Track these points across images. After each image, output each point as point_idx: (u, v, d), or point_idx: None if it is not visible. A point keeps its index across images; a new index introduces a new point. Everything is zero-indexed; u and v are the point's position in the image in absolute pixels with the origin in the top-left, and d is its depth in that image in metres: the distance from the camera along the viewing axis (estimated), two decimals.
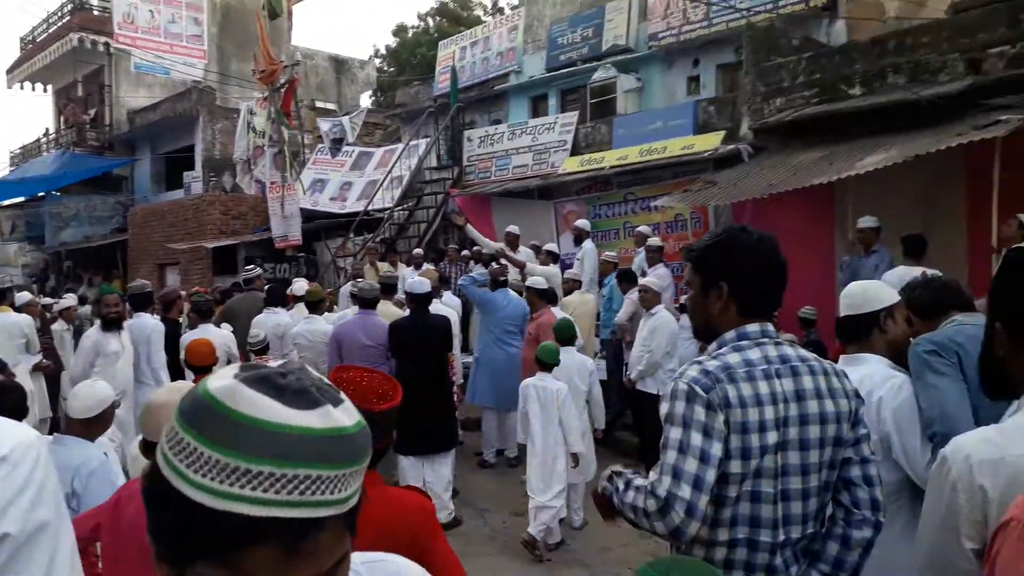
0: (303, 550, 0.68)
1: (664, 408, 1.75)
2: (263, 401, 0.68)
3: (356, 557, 0.82)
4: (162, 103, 18.75)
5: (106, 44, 19.21)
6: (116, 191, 20.31)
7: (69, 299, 9.16)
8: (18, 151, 23.28)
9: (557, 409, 5.19)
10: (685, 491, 1.63)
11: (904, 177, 7.21)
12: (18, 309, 7.29)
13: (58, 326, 8.31)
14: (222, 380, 0.71)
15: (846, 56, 8.69)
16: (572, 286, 8.01)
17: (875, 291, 2.55)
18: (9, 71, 22.44)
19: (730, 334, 1.80)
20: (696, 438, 1.65)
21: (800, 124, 8.68)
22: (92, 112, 20.51)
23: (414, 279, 6.21)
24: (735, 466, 1.67)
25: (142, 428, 2.15)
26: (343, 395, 0.75)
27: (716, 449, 1.64)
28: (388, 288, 7.39)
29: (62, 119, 21.66)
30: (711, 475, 1.63)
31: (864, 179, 7.05)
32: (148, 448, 2.13)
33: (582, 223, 9.70)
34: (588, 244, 9.35)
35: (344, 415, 0.72)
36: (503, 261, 8.18)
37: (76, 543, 1.13)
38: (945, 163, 7.05)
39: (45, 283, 17.98)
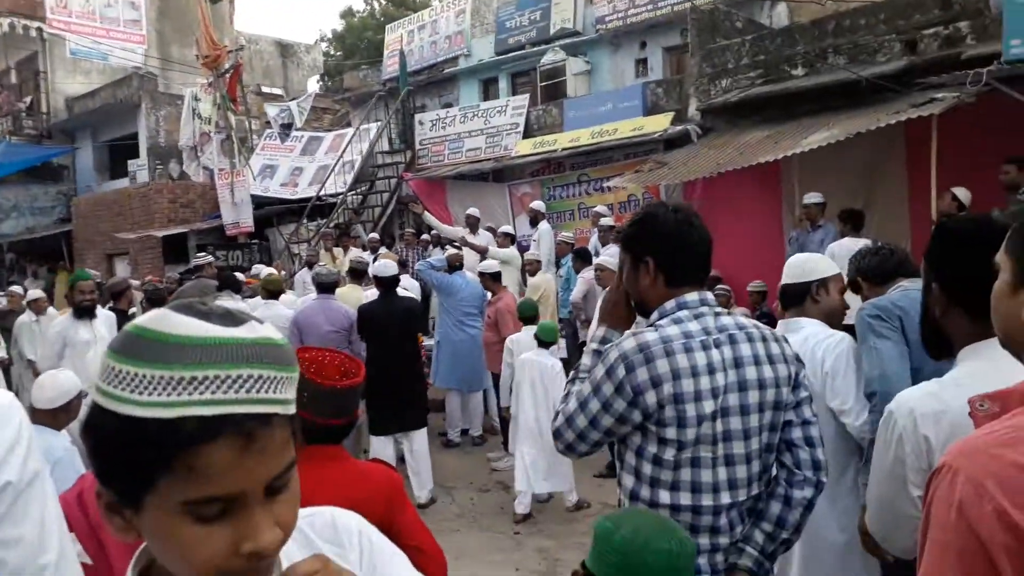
0: (255, 447, 0.71)
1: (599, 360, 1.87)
2: (193, 323, 0.72)
3: None
4: (101, 90, 18.14)
5: (39, 29, 18.45)
6: (57, 181, 19.62)
7: (37, 291, 8.92)
8: None
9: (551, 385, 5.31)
10: (570, 436, 1.88)
11: (847, 154, 7.47)
12: None
13: (26, 317, 8.04)
14: (148, 315, 0.74)
15: (788, 38, 8.93)
16: (536, 267, 8.11)
17: (812, 263, 2.75)
18: None
19: (670, 304, 1.87)
20: (595, 405, 1.82)
21: (746, 104, 8.89)
22: (28, 99, 19.73)
23: (380, 263, 6.23)
24: (670, 433, 1.75)
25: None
26: (264, 327, 0.77)
27: (607, 421, 1.81)
28: (358, 273, 7.39)
29: None
30: (595, 436, 1.85)
31: (809, 156, 7.29)
32: None
33: (537, 205, 9.78)
34: (544, 225, 9.44)
35: (269, 331, 0.75)
36: (461, 246, 8.24)
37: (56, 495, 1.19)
38: (886, 140, 7.33)
39: None
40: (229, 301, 6.95)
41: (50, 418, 3.40)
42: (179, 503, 0.71)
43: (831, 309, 2.69)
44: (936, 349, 1.84)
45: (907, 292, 2.61)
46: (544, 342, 5.59)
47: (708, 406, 1.75)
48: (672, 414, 1.74)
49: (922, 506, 1.61)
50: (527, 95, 12.50)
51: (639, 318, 2.01)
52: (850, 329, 2.71)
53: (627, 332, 1.87)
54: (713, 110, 9.33)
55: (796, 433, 1.88)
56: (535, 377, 5.41)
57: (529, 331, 5.87)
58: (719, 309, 1.89)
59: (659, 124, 9.81)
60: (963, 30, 7.43)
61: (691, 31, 9.94)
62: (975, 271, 1.50)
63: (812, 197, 7.14)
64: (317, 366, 2.37)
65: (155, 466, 0.70)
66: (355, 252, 10.37)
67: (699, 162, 8.30)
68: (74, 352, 5.71)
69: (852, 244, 6.28)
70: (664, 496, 1.78)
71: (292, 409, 0.76)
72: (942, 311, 1.75)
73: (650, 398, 1.74)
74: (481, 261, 7.91)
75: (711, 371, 1.76)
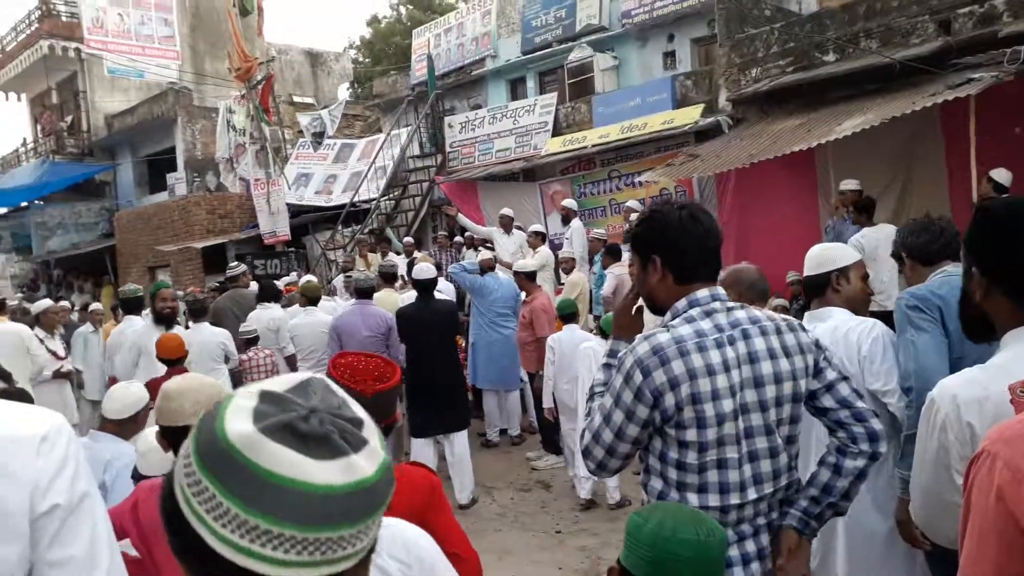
0: None
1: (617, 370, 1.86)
2: (285, 456, 0.66)
3: None
4: (139, 106, 18.57)
5: (77, 50, 18.97)
6: (100, 197, 20.15)
7: (96, 304, 9.20)
8: None
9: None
10: (599, 452, 1.85)
11: (883, 139, 7.34)
12: (36, 317, 7.29)
13: (84, 328, 8.21)
14: (241, 424, 0.68)
15: (818, 23, 8.79)
16: (571, 264, 8.14)
17: (830, 253, 2.73)
18: None
19: (682, 302, 1.86)
20: (619, 416, 1.80)
21: (777, 93, 8.79)
22: (69, 119, 20.29)
23: (419, 266, 6.28)
24: (690, 435, 1.74)
25: (158, 415, 2.23)
26: (367, 432, 0.72)
27: (632, 431, 1.79)
28: (389, 277, 7.46)
29: (39, 127, 21.41)
30: (623, 448, 1.83)
31: (843, 143, 7.18)
32: (164, 434, 2.22)
33: (569, 203, 9.79)
34: (576, 223, 9.45)
35: (366, 460, 0.70)
36: (493, 249, 8.29)
37: (108, 516, 1.22)
38: (922, 123, 7.19)
39: (36, 292, 17.83)
40: (267, 312, 7.07)
41: (117, 427, 3.51)
42: None
43: (853, 297, 2.68)
44: (978, 333, 1.80)
45: (949, 278, 2.54)
46: (567, 316, 5.88)
47: (727, 404, 1.74)
48: (691, 415, 1.73)
49: (963, 490, 1.60)
50: (555, 93, 12.49)
51: (655, 317, 2.00)
52: (885, 317, 2.68)
53: (639, 336, 1.85)
54: (744, 100, 9.24)
55: (843, 414, 1.87)
56: (571, 351, 5.51)
57: (570, 330, 5.89)
58: (731, 304, 1.88)
59: (689, 116, 9.74)
60: (999, 7, 7.25)
61: (719, 21, 9.85)
62: (1017, 255, 1.48)
63: (848, 184, 7.02)
64: (352, 371, 2.41)
65: None
66: (375, 258, 10.48)
67: (731, 153, 8.22)
68: (149, 361, 5.63)
69: (876, 232, 6.20)
70: (692, 499, 1.78)
71: (371, 545, 0.73)
72: (983, 296, 1.71)
73: (668, 400, 1.73)
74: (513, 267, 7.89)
75: (727, 368, 1.75)
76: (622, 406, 1.79)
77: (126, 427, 3.54)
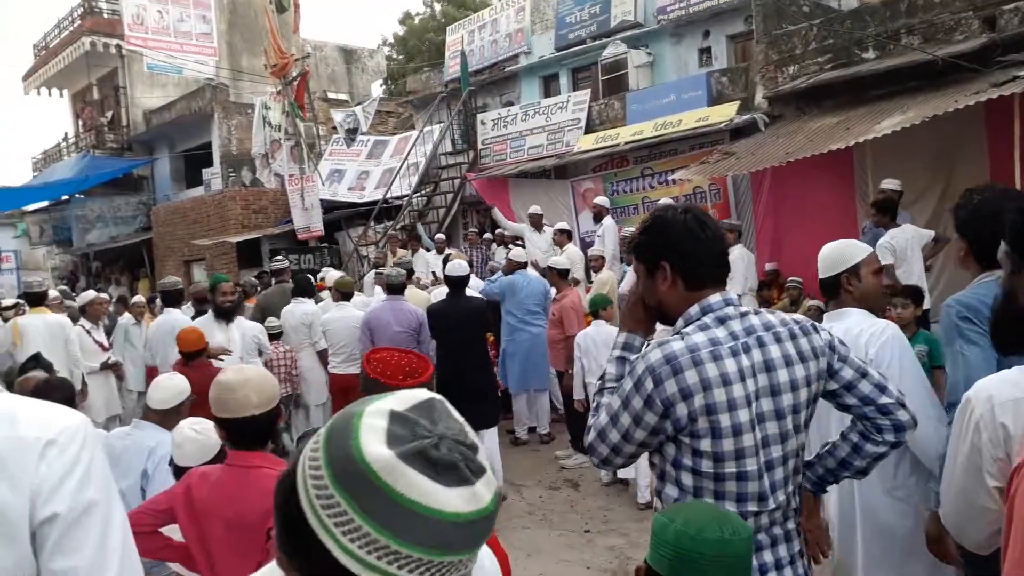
0: None
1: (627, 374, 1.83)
2: (420, 483, 0.71)
3: None
4: (177, 102, 18.90)
5: (118, 46, 19.37)
6: (138, 191, 20.56)
7: (139, 297, 9.27)
8: (40, 156, 23.58)
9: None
10: (603, 450, 1.83)
11: (923, 139, 7.20)
12: (82, 308, 7.37)
13: (125, 320, 8.29)
14: (378, 448, 0.72)
15: (858, 19, 8.64)
16: (600, 263, 8.09)
17: (838, 254, 2.66)
18: (25, 78, 22.66)
19: (694, 309, 1.82)
20: (626, 419, 1.76)
21: (815, 90, 8.67)
22: (109, 114, 20.72)
23: (452, 263, 6.29)
24: (705, 444, 1.71)
25: (218, 407, 2.25)
26: (481, 459, 0.77)
27: (639, 435, 1.76)
28: (397, 287, 7.46)
29: (80, 123, 21.89)
30: (629, 449, 1.80)
31: (882, 142, 7.05)
32: (223, 425, 2.26)
33: (601, 200, 9.74)
34: (608, 221, 9.40)
35: (485, 488, 0.75)
36: (523, 247, 8.28)
37: (128, 522, 1.18)
38: (965, 122, 7.03)
39: (75, 284, 18.23)
40: (300, 306, 7.15)
41: (160, 417, 3.60)
42: None
43: (866, 295, 2.62)
44: (1011, 342, 1.75)
45: (995, 283, 2.38)
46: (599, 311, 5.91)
47: (743, 415, 1.70)
48: (705, 426, 1.70)
49: (1001, 499, 1.56)
50: (588, 90, 12.45)
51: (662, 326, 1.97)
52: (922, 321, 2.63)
53: (653, 341, 1.82)
54: (781, 97, 9.12)
55: (867, 410, 1.86)
56: (602, 345, 5.56)
57: (598, 326, 5.90)
58: (744, 308, 1.84)
59: (725, 114, 9.64)
60: None
61: (756, 17, 9.73)
62: None
63: (890, 183, 6.86)
64: (383, 366, 2.46)
65: None
66: (402, 253, 10.51)
67: (767, 151, 8.12)
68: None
69: (902, 233, 6.12)
70: None
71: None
72: None
73: (681, 410, 1.70)
74: (548, 263, 7.88)
75: (742, 378, 1.71)
76: (631, 411, 1.76)
77: (169, 417, 3.62)
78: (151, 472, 3.30)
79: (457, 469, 0.73)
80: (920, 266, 6.10)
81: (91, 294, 7.83)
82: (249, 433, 2.24)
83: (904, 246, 6.06)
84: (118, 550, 1.13)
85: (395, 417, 0.75)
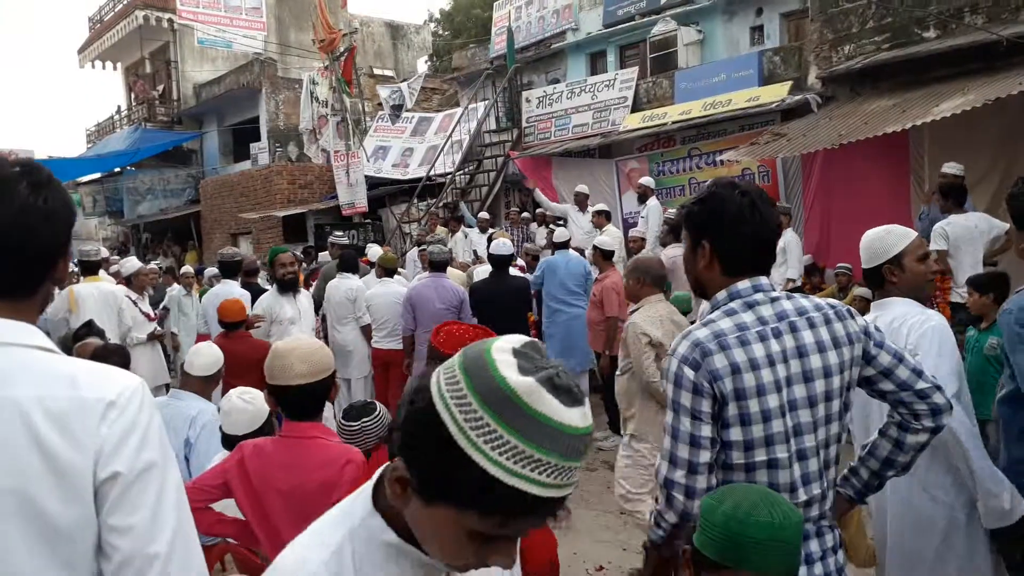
0: (548, 520, 0.89)
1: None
2: (552, 403, 0.85)
3: None
4: (226, 76, 19.15)
5: (170, 20, 19.68)
6: (187, 164, 20.95)
7: (188, 268, 9.42)
8: (93, 128, 24.16)
9: None
10: (679, 476, 1.71)
11: (983, 123, 6.97)
12: (128, 279, 7.46)
13: (176, 291, 8.45)
14: (516, 375, 0.86)
15: None
16: (640, 244, 7.98)
17: (879, 243, 2.56)
18: (80, 51, 23.18)
19: (721, 294, 1.80)
20: (685, 423, 1.70)
21: (871, 71, 8.45)
22: (160, 88, 21.10)
23: (497, 241, 6.29)
24: (735, 433, 1.68)
25: (269, 373, 2.28)
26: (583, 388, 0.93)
27: (706, 431, 1.69)
28: (390, 271, 7.44)
29: (132, 96, 22.33)
30: (704, 456, 1.70)
31: (941, 126, 6.85)
32: (272, 392, 2.29)
33: (646, 180, 9.64)
34: (652, 202, 9.31)
35: (588, 410, 0.90)
36: (564, 227, 8.24)
37: (182, 484, 1.23)
38: None
39: (125, 255, 18.70)
40: (345, 282, 7.22)
41: (201, 385, 3.67)
42: (467, 528, 0.89)
43: (912, 284, 2.52)
44: None
45: None
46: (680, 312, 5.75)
47: (772, 400, 1.68)
48: (734, 412, 1.68)
49: None
50: (636, 68, 12.28)
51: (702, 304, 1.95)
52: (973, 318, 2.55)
53: (678, 335, 1.80)
54: (835, 78, 8.90)
55: (903, 395, 1.83)
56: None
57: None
58: (775, 294, 1.80)
59: (776, 93, 9.44)
60: None
61: None
62: None
63: (951, 167, 6.56)
64: (450, 338, 2.52)
65: (473, 502, 0.87)
66: (441, 231, 10.51)
67: (819, 133, 7.94)
68: (280, 329, 5.63)
69: (964, 220, 5.87)
70: None
71: None
72: None
73: (726, 386, 1.68)
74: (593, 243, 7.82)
75: (771, 363, 1.69)
76: (684, 412, 1.71)
77: (209, 384, 3.70)
78: (193, 441, 3.36)
79: (572, 393, 0.87)
80: (976, 258, 5.81)
81: (137, 264, 7.88)
82: (298, 403, 2.26)
83: (962, 234, 5.78)
84: (174, 509, 1.18)
85: (517, 353, 0.89)
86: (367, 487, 1.04)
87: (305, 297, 5.88)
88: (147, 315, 7.26)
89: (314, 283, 8.27)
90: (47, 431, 1.11)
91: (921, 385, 1.83)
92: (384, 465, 1.01)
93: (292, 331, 5.54)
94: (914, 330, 2.44)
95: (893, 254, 2.51)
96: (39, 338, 1.21)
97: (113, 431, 1.13)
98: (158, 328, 7.35)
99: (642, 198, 9.54)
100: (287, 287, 5.76)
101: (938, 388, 1.85)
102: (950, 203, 6.08)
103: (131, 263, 7.94)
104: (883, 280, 2.55)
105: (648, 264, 4.46)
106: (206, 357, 3.69)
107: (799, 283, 7.60)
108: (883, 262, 2.52)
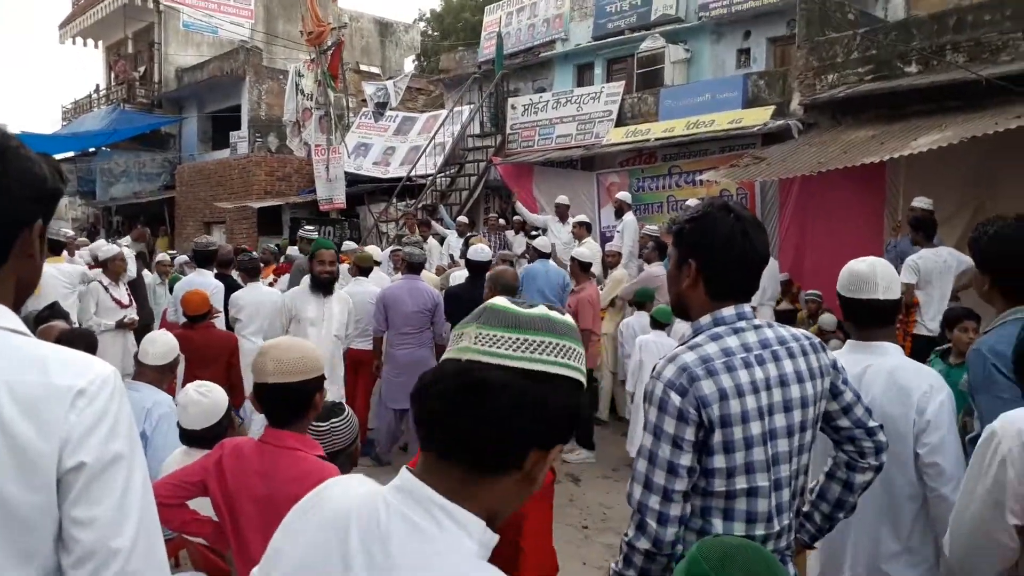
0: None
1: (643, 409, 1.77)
2: (560, 319, 1.02)
3: None
4: (210, 62, 18.96)
5: (156, 1, 19.46)
6: (164, 149, 20.68)
7: (164, 255, 9.20)
8: (70, 106, 23.76)
9: None
10: (654, 501, 1.67)
11: (960, 160, 7.11)
12: (103, 263, 7.15)
13: (151, 279, 8.26)
14: (537, 311, 1.01)
15: (904, 32, 8.52)
16: (616, 259, 8.01)
17: (873, 278, 2.36)
18: (61, 26, 22.81)
19: (706, 319, 1.79)
20: (665, 450, 1.66)
21: (853, 101, 8.57)
22: (142, 69, 20.83)
23: (475, 247, 6.27)
24: (718, 461, 1.66)
25: (251, 369, 2.23)
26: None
27: (685, 460, 1.65)
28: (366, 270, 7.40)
29: (113, 75, 22.02)
30: (680, 484, 1.66)
31: (917, 159, 6.98)
32: (256, 392, 2.23)
33: (623, 195, 9.70)
34: (628, 217, 9.37)
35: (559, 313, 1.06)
36: (534, 238, 8.27)
37: (148, 478, 1.19)
38: (1004, 146, 6.93)
39: (95, 237, 18.38)
40: None
41: (157, 375, 3.55)
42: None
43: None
44: None
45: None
46: (660, 323, 6.18)
47: (755, 427, 1.67)
48: (719, 439, 1.66)
49: (1020, 537, 1.54)
50: (622, 82, 12.36)
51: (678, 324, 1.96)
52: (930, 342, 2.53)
53: (662, 359, 1.77)
54: (817, 105, 9.03)
55: (857, 432, 1.89)
56: (655, 355, 5.75)
57: (641, 316, 6.46)
58: (757, 321, 1.80)
59: (759, 117, 9.55)
60: None
61: (799, 22, 9.62)
62: None
63: (920, 202, 6.72)
64: None
65: (550, 437, 1.01)
66: (442, 236, 10.46)
67: (799, 159, 8.05)
68: (298, 328, 5.33)
69: (934, 255, 5.99)
70: (717, 525, 1.71)
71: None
72: None
73: (713, 413, 1.66)
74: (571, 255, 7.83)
75: (755, 390, 1.69)
76: (665, 438, 1.67)
77: (165, 375, 3.60)
78: (149, 435, 3.25)
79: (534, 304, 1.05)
80: (945, 291, 5.95)
81: (113, 249, 7.59)
82: (270, 404, 2.21)
83: (932, 268, 5.93)
84: (139, 503, 1.15)
85: (511, 300, 1.04)
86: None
87: (338, 301, 5.56)
88: (118, 301, 7.05)
89: (280, 277, 8.16)
90: (12, 415, 1.08)
91: (871, 423, 1.90)
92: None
93: (310, 333, 5.28)
94: (931, 398, 2.22)
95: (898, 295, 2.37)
96: (9, 319, 1.17)
97: (81, 420, 1.10)
98: (128, 315, 7.16)
99: (618, 213, 9.60)
100: (321, 286, 5.43)
101: (880, 426, 1.92)
102: (920, 236, 6.21)
103: (109, 247, 7.72)
104: (868, 315, 2.38)
105: (504, 278, 5.04)
106: (161, 345, 3.59)
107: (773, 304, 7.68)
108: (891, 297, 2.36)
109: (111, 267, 7.15)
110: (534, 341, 0.96)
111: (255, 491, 2.16)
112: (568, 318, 1.02)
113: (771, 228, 9.25)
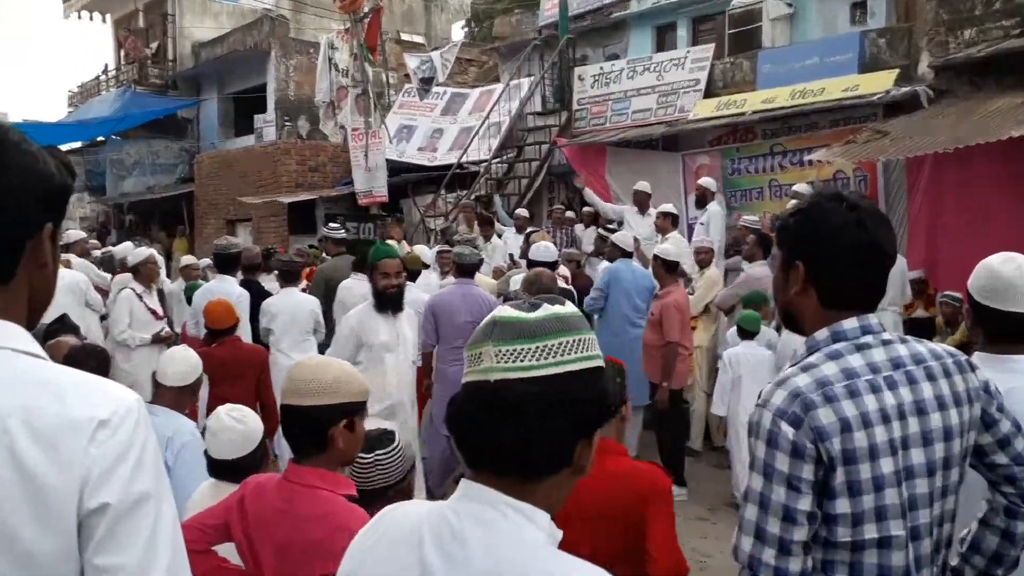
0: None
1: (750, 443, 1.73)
2: (562, 309, 1.19)
3: None
4: (230, 35, 19.39)
5: None
6: (180, 136, 21.21)
7: (190, 258, 9.42)
8: (76, 90, 24.67)
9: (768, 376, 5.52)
10: (769, 556, 1.63)
11: None
12: (134, 269, 7.32)
13: (176, 286, 8.45)
14: (562, 307, 1.18)
15: None
16: (708, 256, 7.86)
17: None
18: None
19: (822, 334, 1.73)
20: (779, 492, 1.63)
21: (995, 61, 8.37)
22: (154, 45, 21.48)
23: (540, 245, 6.25)
24: (842, 505, 1.61)
25: (291, 392, 2.24)
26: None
27: (804, 503, 1.61)
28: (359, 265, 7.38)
29: (122, 53, 22.77)
30: (800, 534, 1.62)
31: None
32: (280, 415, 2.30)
33: (706, 181, 9.60)
34: (713, 206, 9.26)
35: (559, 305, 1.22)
36: (612, 232, 8.21)
37: (177, 518, 1.22)
38: None
39: (105, 238, 18.97)
40: (360, 284, 7.25)
41: (175, 397, 3.62)
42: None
43: None
44: None
45: None
46: (748, 332, 6.18)
47: (887, 465, 1.62)
48: (842, 479, 1.61)
49: None
50: (711, 45, 12.22)
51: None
52: None
53: (770, 384, 1.73)
54: (951, 68, 8.82)
55: (1016, 470, 1.81)
56: (751, 371, 5.90)
57: (747, 346, 6.30)
58: (887, 336, 1.74)
59: (879, 84, 9.35)
60: None
61: None
62: None
63: None
64: None
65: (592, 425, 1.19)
66: (498, 235, 10.44)
67: (930, 134, 7.87)
68: (371, 356, 5.13)
69: None
70: None
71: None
72: None
73: (823, 452, 1.61)
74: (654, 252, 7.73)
75: (885, 419, 1.63)
76: (778, 478, 1.63)
77: (184, 397, 3.67)
78: (171, 466, 3.29)
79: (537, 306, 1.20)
80: None
81: (144, 252, 7.58)
82: (288, 430, 2.26)
83: None
84: (168, 549, 1.17)
85: (513, 306, 1.20)
86: None
87: (407, 319, 5.42)
88: (154, 312, 7.10)
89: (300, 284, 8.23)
90: (27, 447, 1.11)
91: None
92: None
93: (388, 360, 5.15)
94: None
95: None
96: (22, 340, 1.20)
97: (103, 454, 1.13)
98: (166, 329, 7.19)
99: (699, 202, 9.49)
100: (388, 303, 5.18)
101: None
102: None
103: (139, 250, 7.74)
104: (1009, 329, 2.29)
105: (545, 281, 5.02)
106: (181, 363, 3.65)
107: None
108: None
109: (143, 272, 7.17)
110: (553, 345, 1.13)
111: (276, 535, 2.20)
112: (571, 307, 1.19)
113: (897, 218, 9.02)
